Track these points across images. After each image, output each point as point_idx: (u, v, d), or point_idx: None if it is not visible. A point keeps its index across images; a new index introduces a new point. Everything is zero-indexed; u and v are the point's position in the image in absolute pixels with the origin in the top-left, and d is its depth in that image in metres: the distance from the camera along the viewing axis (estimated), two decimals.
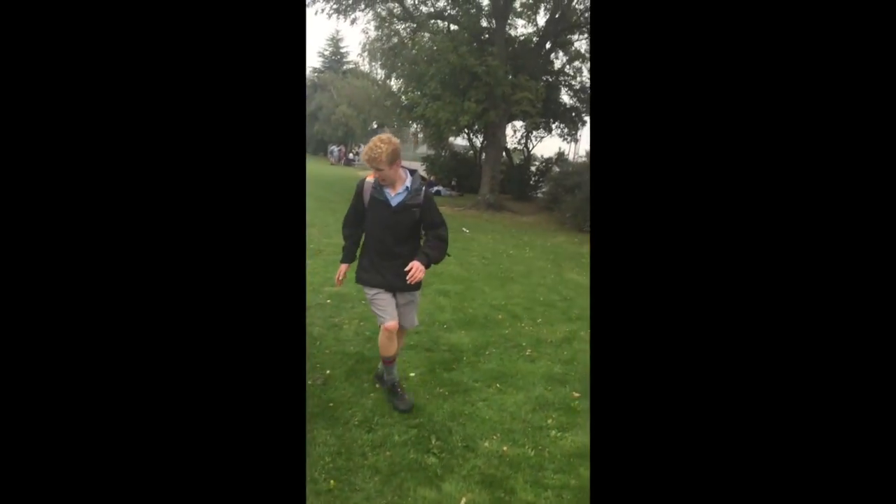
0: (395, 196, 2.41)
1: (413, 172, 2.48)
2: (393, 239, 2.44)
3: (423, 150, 20.80)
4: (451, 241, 2.61)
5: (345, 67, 37.98)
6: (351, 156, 28.16)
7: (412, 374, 2.95)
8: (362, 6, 14.94)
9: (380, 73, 17.63)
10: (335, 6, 15.01)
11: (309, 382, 2.69)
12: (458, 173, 16.86)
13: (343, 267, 2.59)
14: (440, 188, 15.63)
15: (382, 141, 2.30)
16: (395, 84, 16.61)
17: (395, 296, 2.50)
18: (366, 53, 17.59)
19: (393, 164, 2.32)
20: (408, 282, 2.30)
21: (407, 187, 2.41)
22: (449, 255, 2.59)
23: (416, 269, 2.28)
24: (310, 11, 14.96)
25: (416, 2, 14.21)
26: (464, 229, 8.91)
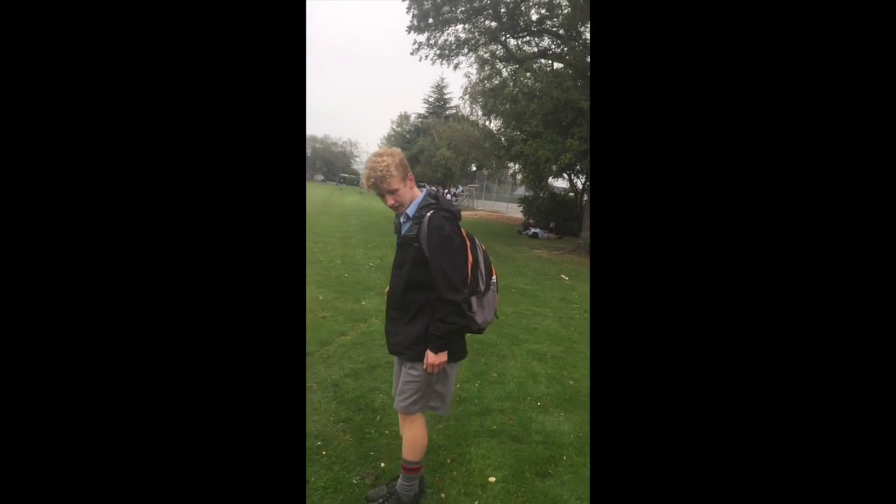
0: (403, 223, 1.80)
1: (426, 191, 1.81)
2: (395, 282, 1.80)
3: (521, 191, 20.35)
4: (548, 290, 1.83)
5: (447, 112, 39.36)
6: (449, 196, 28.66)
7: (492, 479, 2.18)
8: (465, 50, 15.13)
9: (480, 115, 17.63)
10: (438, 52, 15.39)
11: (355, 481, 2.05)
12: (557, 215, 16.00)
13: None
14: (538, 230, 14.85)
15: (383, 154, 1.70)
16: (494, 125, 16.47)
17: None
18: (467, 96, 17.77)
19: (405, 180, 1.72)
20: (426, 370, 1.72)
21: (407, 214, 1.75)
22: (497, 317, 1.87)
23: (427, 361, 1.71)
24: (413, 58, 15.46)
25: (520, 42, 14.00)
26: (563, 276, 8.01)
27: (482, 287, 1.80)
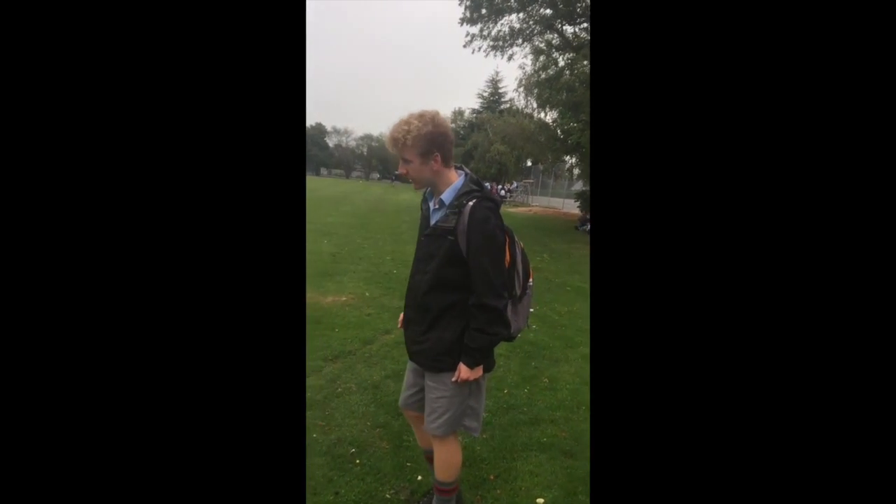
0: (434, 211, 1.54)
1: (466, 176, 1.53)
2: (419, 278, 1.55)
3: (579, 186, 19.65)
4: None
5: (502, 107, 38.90)
6: (502, 192, 28.32)
7: (541, 501, 1.94)
8: (519, 41, 14.73)
9: (535, 107, 17.11)
10: (492, 43, 15.07)
11: (388, 495, 1.88)
12: None
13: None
14: None
15: (410, 120, 1.43)
16: (549, 117, 15.94)
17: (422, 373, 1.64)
18: (522, 89, 17.32)
19: (428, 157, 1.44)
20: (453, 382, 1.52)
21: (442, 200, 1.49)
22: (531, 327, 1.66)
23: (459, 374, 1.49)
24: (466, 51, 15.21)
25: (577, 29, 13.43)
26: None
27: (518, 291, 1.57)
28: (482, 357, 1.50)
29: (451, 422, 1.57)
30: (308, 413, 2.46)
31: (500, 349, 3.61)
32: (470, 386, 1.56)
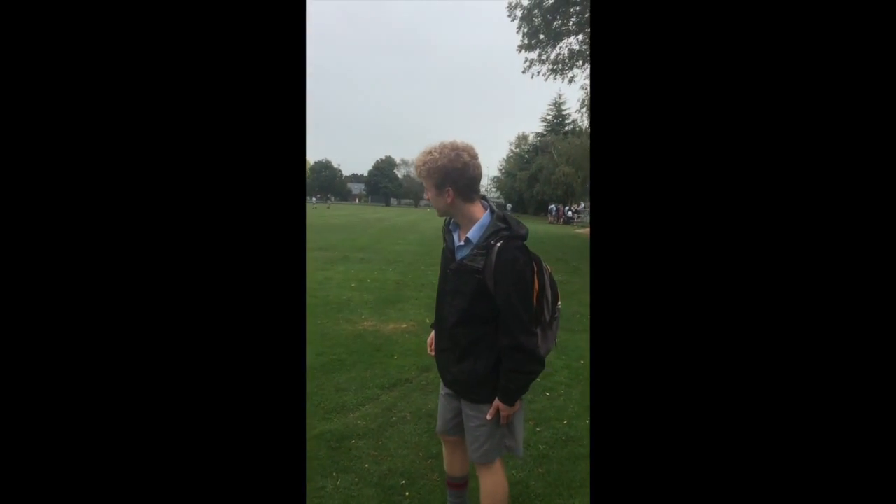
0: (460, 247, 1.53)
1: (493, 213, 1.50)
2: (447, 310, 1.55)
3: None
4: None
5: (566, 129, 38.45)
6: (570, 214, 27.76)
7: None
8: (580, 62, 14.60)
9: None
10: (551, 67, 15.05)
11: None
12: None
13: (432, 333, 1.74)
14: None
15: (437, 148, 1.45)
16: None
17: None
18: (584, 109, 17.03)
19: (441, 190, 1.46)
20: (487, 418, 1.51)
21: (469, 239, 1.48)
22: (557, 345, 1.60)
23: (495, 411, 1.49)
24: (525, 76, 15.32)
25: None
26: None
27: (547, 317, 1.56)
28: (518, 395, 1.49)
29: (494, 447, 1.55)
30: (361, 442, 2.48)
31: (561, 377, 3.47)
32: (511, 416, 1.53)
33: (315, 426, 2.62)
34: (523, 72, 15.14)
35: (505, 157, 60.55)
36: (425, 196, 1.54)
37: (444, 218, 1.61)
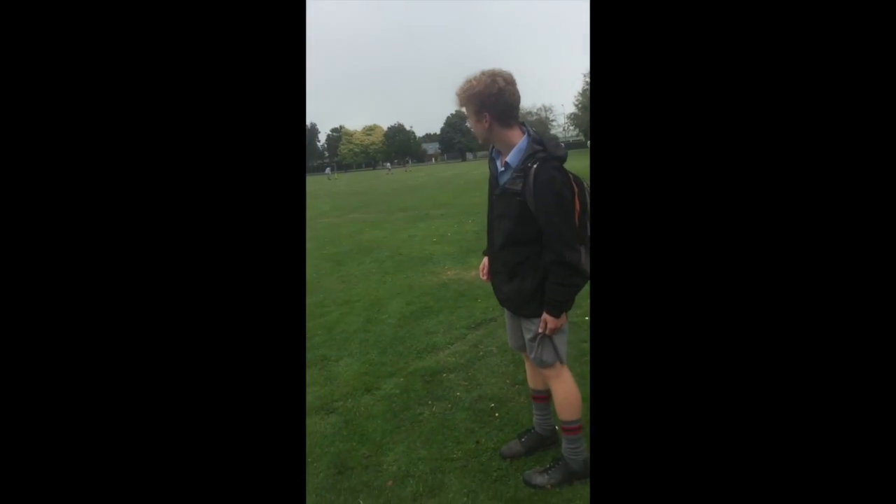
0: (501, 173, 1.62)
1: (530, 136, 1.56)
2: (495, 235, 1.68)
3: None
4: None
5: None
6: None
7: None
8: None
9: None
10: None
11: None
12: None
13: (484, 259, 1.86)
14: None
15: (476, 77, 1.51)
16: None
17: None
18: None
19: (479, 116, 1.53)
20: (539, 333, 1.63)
21: (508, 163, 1.56)
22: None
23: (544, 324, 1.60)
24: None
25: None
26: None
27: (588, 233, 1.59)
28: (565, 307, 1.58)
29: (550, 353, 1.67)
30: (452, 375, 2.68)
31: None
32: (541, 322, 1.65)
33: (409, 364, 2.88)
34: None
35: (580, 90, 56.99)
36: (467, 124, 1.62)
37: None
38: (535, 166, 1.49)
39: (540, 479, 1.74)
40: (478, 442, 2.05)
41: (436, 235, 7.22)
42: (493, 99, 1.48)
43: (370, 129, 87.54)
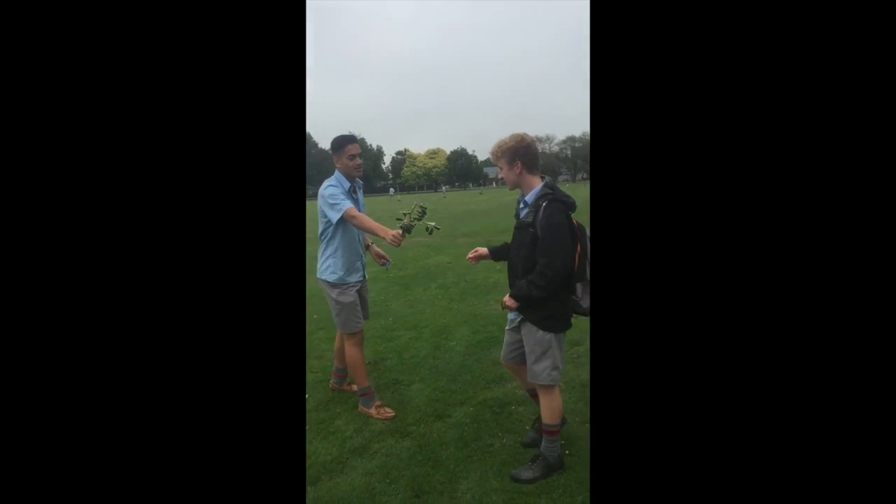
0: (521, 209, 2.09)
1: (545, 183, 2.04)
2: (515, 262, 2.09)
3: None
4: None
5: None
6: None
7: None
8: None
9: None
10: None
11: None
12: None
13: (482, 250, 2.32)
14: None
15: (507, 137, 2.04)
16: None
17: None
18: None
19: (512, 164, 2.01)
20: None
21: (525, 201, 2.04)
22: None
23: (504, 301, 2.07)
24: None
25: None
26: None
27: (588, 276, 2.00)
28: (522, 300, 2.01)
29: (553, 369, 2.07)
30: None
31: None
32: (552, 341, 2.05)
33: (478, 394, 2.97)
34: None
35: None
36: (499, 174, 2.10)
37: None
38: (544, 203, 1.94)
39: (526, 475, 2.10)
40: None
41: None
42: (523, 150, 2.00)
43: (433, 153, 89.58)
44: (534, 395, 2.34)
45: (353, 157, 2.69)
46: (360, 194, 2.89)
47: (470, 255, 2.27)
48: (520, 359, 2.22)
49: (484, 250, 2.26)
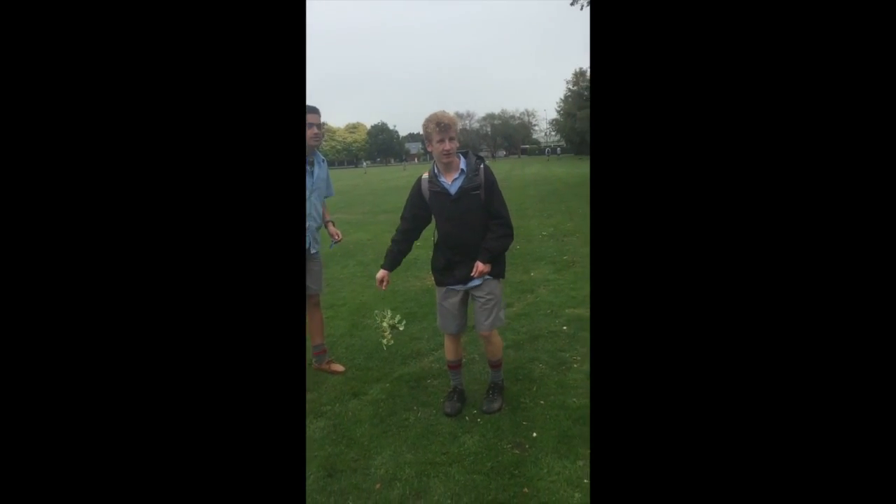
0: (451, 183, 2.27)
1: (466, 154, 2.29)
2: (459, 230, 2.29)
3: None
4: None
5: None
6: None
7: None
8: None
9: None
10: None
11: (507, 446, 2.10)
12: None
13: (381, 273, 2.49)
14: None
15: (446, 113, 2.19)
16: None
17: (468, 295, 2.43)
18: None
19: (429, 141, 2.20)
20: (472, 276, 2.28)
21: (462, 170, 2.25)
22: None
23: (478, 269, 2.24)
24: (574, 8, 14.43)
25: None
26: None
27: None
28: (498, 256, 2.31)
29: (500, 314, 2.41)
30: (436, 381, 2.80)
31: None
32: (497, 289, 2.36)
33: (395, 370, 2.98)
34: (571, 4, 14.30)
35: (562, 97, 57.59)
36: (449, 147, 2.18)
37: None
38: (482, 167, 2.26)
39: (496, 405, 2.43)
40: (462, 445, 2.17)
41: (419, 239, 7.28)
42: (456, 126, 2.27)
43: (353, 127, 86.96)
44: (454, 366, 2.54)
45: (308, 125, 2.47)
46: (319, 169, 2.70)
47: (379, 285, 2.49)
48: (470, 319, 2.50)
49: (384, 272, 2.48)
